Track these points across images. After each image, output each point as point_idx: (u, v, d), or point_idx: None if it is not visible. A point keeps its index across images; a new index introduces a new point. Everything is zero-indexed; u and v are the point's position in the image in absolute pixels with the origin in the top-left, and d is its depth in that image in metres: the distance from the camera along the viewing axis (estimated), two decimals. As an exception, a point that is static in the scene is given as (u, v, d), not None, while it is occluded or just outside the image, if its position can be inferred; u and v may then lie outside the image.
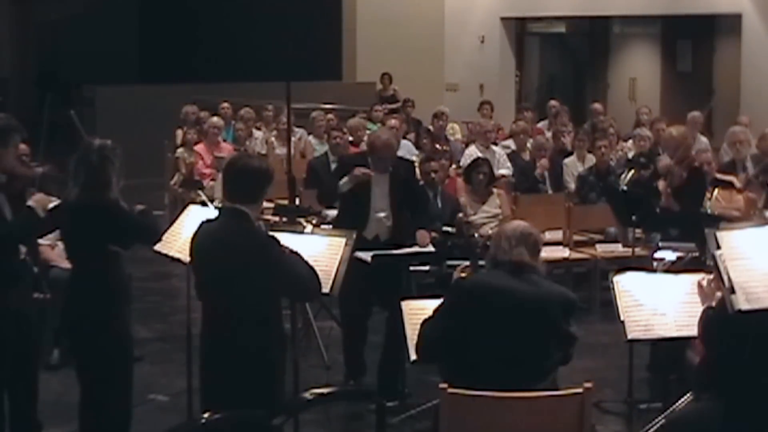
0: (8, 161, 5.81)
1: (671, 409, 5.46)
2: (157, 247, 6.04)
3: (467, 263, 5.51)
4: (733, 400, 4.84)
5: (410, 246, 7.16)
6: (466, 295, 4.64)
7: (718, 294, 4.93)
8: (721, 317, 4.89)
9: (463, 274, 5.20)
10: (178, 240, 6.07)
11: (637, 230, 8.13)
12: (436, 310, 4.72)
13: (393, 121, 12.51)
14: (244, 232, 4.96)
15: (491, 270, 4.73)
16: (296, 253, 5.17)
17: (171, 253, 6.04)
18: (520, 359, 4.49)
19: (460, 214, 9.01)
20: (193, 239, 5.15)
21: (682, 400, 5.43)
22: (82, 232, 5.53)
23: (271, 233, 5.09)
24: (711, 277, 5.09)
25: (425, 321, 4.75)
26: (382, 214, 7.22)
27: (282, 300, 5.33)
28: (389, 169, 7.22)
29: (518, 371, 4.45)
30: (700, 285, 5.23)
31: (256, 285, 4.90)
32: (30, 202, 5.73)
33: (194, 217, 5.93)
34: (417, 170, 9.54)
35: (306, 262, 5.14)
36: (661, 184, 7.63)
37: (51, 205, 5.73)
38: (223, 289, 5.01)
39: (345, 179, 7.16)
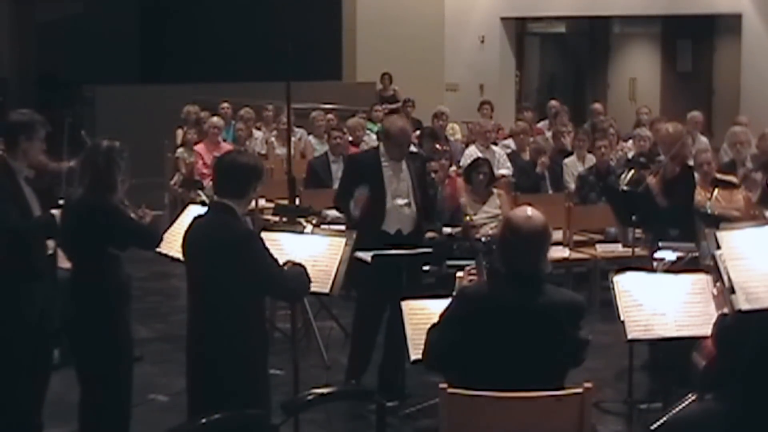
0: (34, 155, 5.89)
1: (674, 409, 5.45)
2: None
3: (471, 265, 5.47)
4: (743, 404, 4.83)
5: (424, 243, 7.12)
6: (470, 307, 4.46)
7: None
8: (738, 323, 4.87)
9: (469, 278, 5.12)
10: (178, 240, 6.05)
11: (637, 230, 8.13)
12: (441, 317, 4.54)
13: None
14: (225, 226, 5.01)
15: (499, 276, 4.55)
16: (300, 265, 5.21)
17: (171, 253, 6.05)
18: (527, 369, 4.37)
19: (467, 218, 8.99)
20: (184, 235, 5.21)
21: (684, 401, 5.42)
22: (83, 233, 5.54)
23: (251, 229, 5.11)
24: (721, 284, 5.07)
25: (431, 329, 4.57)
26: (401, 201, 7.11)
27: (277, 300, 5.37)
28: (404, 156, 7.18)
29: (526, 380, 4.33)
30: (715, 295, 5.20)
31: (233, 279, 4.93)
32: (54, 211, 5.77)
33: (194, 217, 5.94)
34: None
35: (300, 265, 5.17)
36: (650, 179, 7.65)
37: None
38: (202, 283, 5.06)
39: (353, 206, 7.03)
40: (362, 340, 7.26)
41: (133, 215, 5.69)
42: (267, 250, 5.03)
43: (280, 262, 5.18)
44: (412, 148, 11.51)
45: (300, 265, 5.26)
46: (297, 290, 5.28)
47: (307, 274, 5.24)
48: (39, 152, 5.95)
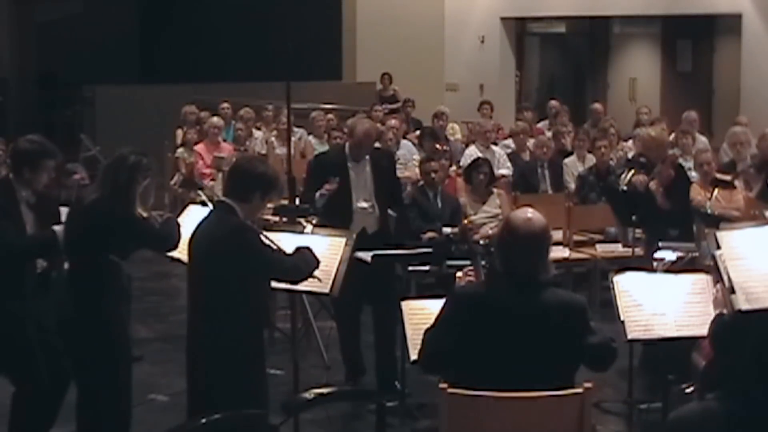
0: (39, 184, 5.77)
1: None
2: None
3: (470, 265, 5.47)
4: (742, 403, 4.82)
5: (401, 242, 7.13)
6: (462, 308, 4.44)
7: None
8: (735, 322, 4.87)
9: (468, 278, 5.12)
10: (177, 240, 6.07)
11: (637, 230, 8.13)
12: (436, 319, 4.52)
13: (393, 121, 12.52)
14: (221, 222, 5.06)
15: (495, 277, 4.53)
16: (307, 248, 5.29)
17: (171, 253, 6.04)
18: (522, 370, 4.32)
19: (465, 221, 8.99)
20: (190, 236, 5.27)
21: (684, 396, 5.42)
22: (85, 237, 5.53)
23: (247, 223, 5.14)
24: (720, 285, 5.06)
25: (427, 330, 4.55)
26: (364, 204, 7.17)
27: (279, 298, 5.38)
28: (365, 157, 7.21)
29: (522, 382, 4.29)
30: (714, 295, 5.20)
31: (230, 272, 4.97)
32: (57, 228, 5.71)
33: (194, 217, 5.94)
34: (405, 167, 9.56)
35: (305, 248, 5.25)
36: (652, 184, 7.66)
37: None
38: (202, 281, 5.09)
39: (318, 196, 7.09)
40: (345, 340, 7.35)
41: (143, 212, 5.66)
42: (262, 240, 5.05)
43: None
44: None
45: (305, 247, 5.31)
46: (299, 267, 5.28)
47: (313, 254, 5.29)
48: (44, 182, 5.80)
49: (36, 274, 5.89)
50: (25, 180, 5.73)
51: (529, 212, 4.46)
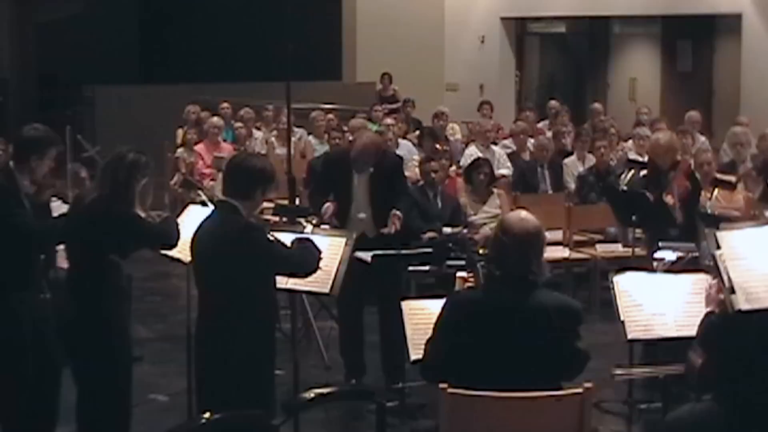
0: (41, 173, 5.77)
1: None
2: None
3: (469, 270, 5.47)
4: (734, 403, 4.83)
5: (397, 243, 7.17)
6: (458, 313, 4.45)
7: (721, 296, 4.91)
8: (723, 322, 4.87)
9: (467, 285, 5.12)
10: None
11: (637, 230, 8.12)
12: (435, 327, 4.52)
13: (389, 120, 12.55)
14: (225, 222, 5.07)
15: (491, 279, 4.54)
16: (306, 239, 5.31)
17: (171, 253, 6.05)
18: (520, 371, 4.33)
19: (465, 230, 8.96)
20: (192, 237, 5.27)
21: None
22: (86, 237, 5.53)
23: (252, 222, 5.14)
24: (715, 282, 5.06)
25: (428, 341, 4.56)
26: (362, 215, 7.18)
27: (279, 298, 5.38)
28: (368, 170, 7.17)
29: (520, 383, 4.29)
30: (707, 291, 5.19)
31: (237, 271, 4.97)
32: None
33: (194, 217, 5.95)
34: (405, 167, 9.57)
35: (307, 239, 5.29)
36: (669, 198, 7.48)
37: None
38: (209, 282, 5.08)
39: (323, 213, 7.16)
40: (346, 339, 7.36)
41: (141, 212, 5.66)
42: (268, 237, 5.07)
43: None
44: (414, 154, 11.59)
45: (306, 239, 5.33)
46: (307, 260, 5.29)
47: (315, 246, 5.30)
48: (46, 171, 5.82)
49: (36, 268, 5.88)
50: (30, 168, 5.72)
51: (523, 213, 4.54)
